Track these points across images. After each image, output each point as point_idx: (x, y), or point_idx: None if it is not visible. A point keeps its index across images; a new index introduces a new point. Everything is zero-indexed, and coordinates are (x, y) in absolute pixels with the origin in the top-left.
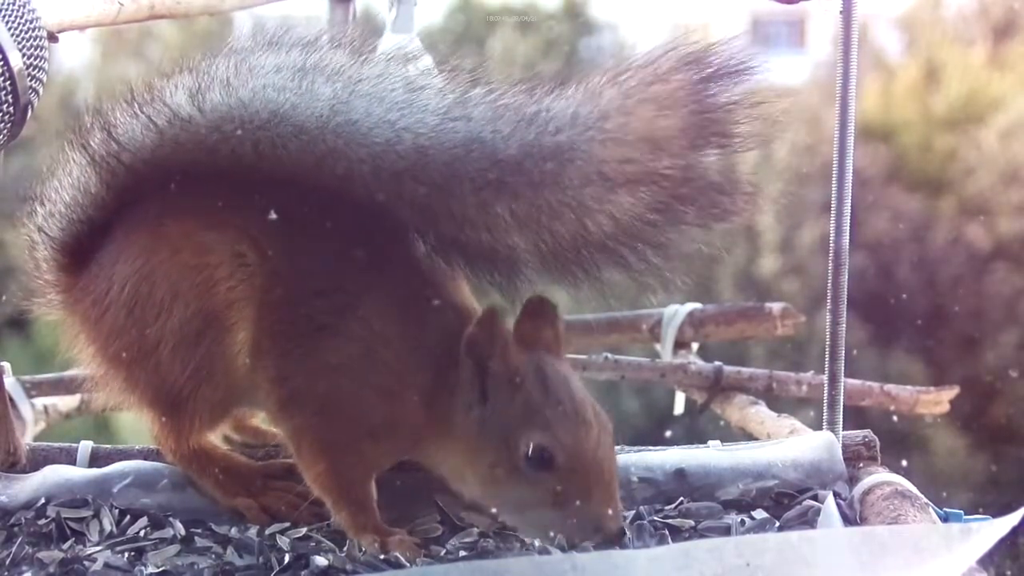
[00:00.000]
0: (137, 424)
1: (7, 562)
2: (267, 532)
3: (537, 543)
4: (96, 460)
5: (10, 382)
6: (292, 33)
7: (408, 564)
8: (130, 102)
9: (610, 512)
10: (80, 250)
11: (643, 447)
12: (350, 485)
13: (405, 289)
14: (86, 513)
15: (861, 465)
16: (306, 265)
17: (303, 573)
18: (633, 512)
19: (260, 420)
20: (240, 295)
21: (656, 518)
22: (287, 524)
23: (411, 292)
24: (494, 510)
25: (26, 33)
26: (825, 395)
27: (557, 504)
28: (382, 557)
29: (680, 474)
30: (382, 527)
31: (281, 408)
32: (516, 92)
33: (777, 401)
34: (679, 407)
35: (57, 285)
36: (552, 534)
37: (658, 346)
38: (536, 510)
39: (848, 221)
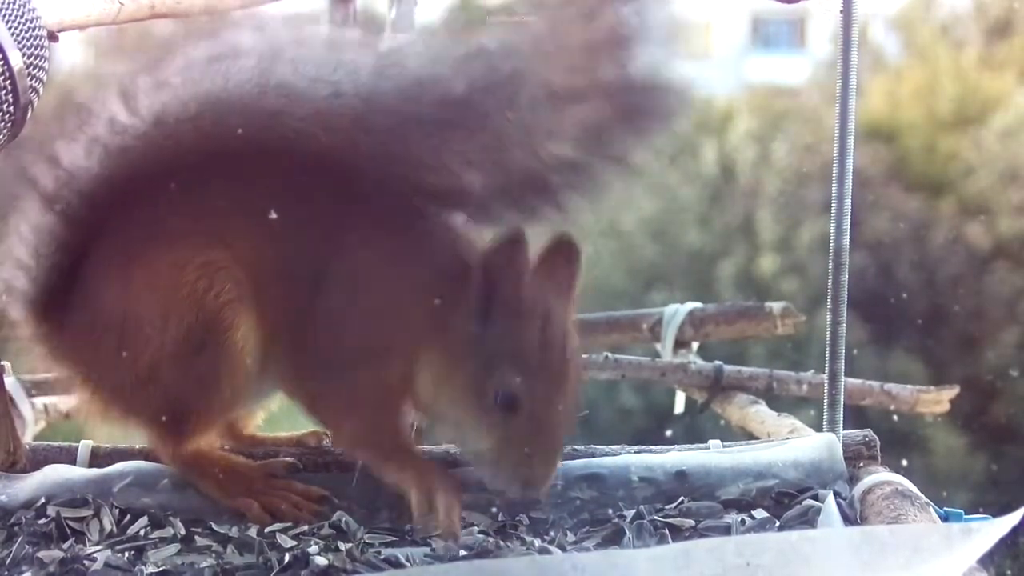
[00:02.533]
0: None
1: (7, 562)
2: (267, 531)
3: (537, 543)
4: (96, 460)
5: (10, 382)
6: (203, 27)
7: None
8: (66, 129)
9: (545, 473)
10: (55, 297)
11: (643, 447)
12: (382, 433)
13: (389, 221)
14: (86, 513)
15: (861, 464)
16: (278, 236)
17: (303, 573)
18: (633, 511)
19: (256, 428)
20: (228, 296)
21: (656, 517)
22: (288, 523)
23: (396, 223)
24: (448, 430)
25: (26, 33)
26: (825, 394)
27: (503, 444)
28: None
29: (680, 474)
30: (428, 473)
31: (295, 380)
32: (448, 32)
33: (777, 400)
34: (679, 406)
35: (39, 338)
36: (491, 473)
37: (658, 345)
38: (481, 442)
39: (848, 221)
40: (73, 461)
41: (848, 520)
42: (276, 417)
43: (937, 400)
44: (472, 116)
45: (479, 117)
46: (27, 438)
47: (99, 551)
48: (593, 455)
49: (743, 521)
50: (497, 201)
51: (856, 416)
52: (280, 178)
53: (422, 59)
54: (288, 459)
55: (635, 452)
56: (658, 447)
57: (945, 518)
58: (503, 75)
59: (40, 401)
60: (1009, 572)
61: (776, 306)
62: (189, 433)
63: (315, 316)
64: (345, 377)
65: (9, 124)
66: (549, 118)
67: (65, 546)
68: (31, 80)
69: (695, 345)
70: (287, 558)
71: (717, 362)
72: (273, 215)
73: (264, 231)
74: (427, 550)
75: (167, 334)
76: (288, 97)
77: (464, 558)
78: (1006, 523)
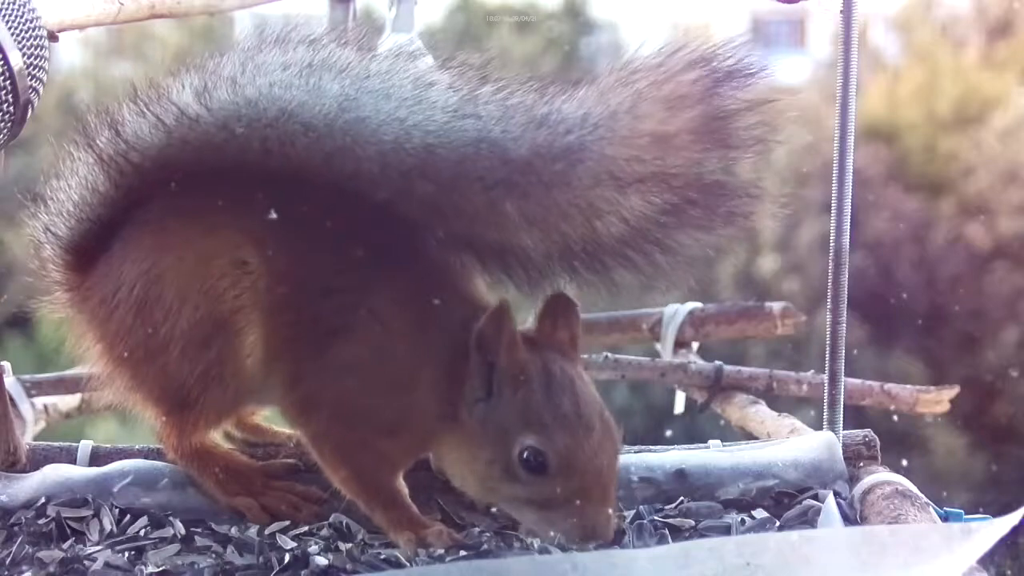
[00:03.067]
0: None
1: (7, 562)
2: (267, 531)
3: (537, 543)
4: (96, 459)
5: (10, 382)
6: (298, 30)
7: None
8: (137, 101)
9: (604, 517)
10: (87, 249)
11: (643, 447)
12: (377, 485)
13: (415, 284)
14: (86, 512)
15: (861, 464)
16: (312, 265)
17: (303, 573)
18: (633, 512)
19: (262, 418)
20: (246, 301)
21: (656, 517)
22: (287, 523)
23: (421, 287)
24: (492, 508)
25: (26, 33)
26: (825, 394)
27: (550, 506)
28: (415, 552)
29: (680, 474)
30: (417, 520)
31: (299, 412)
32: (526, 91)
33: (777, 400)
34: (679, 406)
35: (64, 284)
36: (551, 533)
37: (658, 345)
38: (530, 510)
39: (848, 221)
40: (73, 461)
41: (848, 520)
42: (276, 417)
43: (937, 400)
44: (532, 180)
45: (539, 183)
46: (27, 438)
47: (99, 551)
48: None
49: (743, 521)
50: (554, 265)
51: (856, 416)
52: (330, 206)
53: (494, 116)
54: (289, 460)
55: (635, 452)
56: (658, 447)
57: (945, 518)
58: (563, 148)
59: (40, 401)
60: (1009, 572)
61: (776, 306)
62: (191, 426)
63: (328, 361)
64: (350, 429)
65: (9, 124)
66: (608, 196)
67: (65, 546)
68: (31, 80)
69: (695, 345)
70: (287, 558)
71: (717, 362)
72: (309, 239)
73: (301, 253)
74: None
75: (180, 320)
76: (360, 133)
77: (464, 558)
78: (1006, 523)
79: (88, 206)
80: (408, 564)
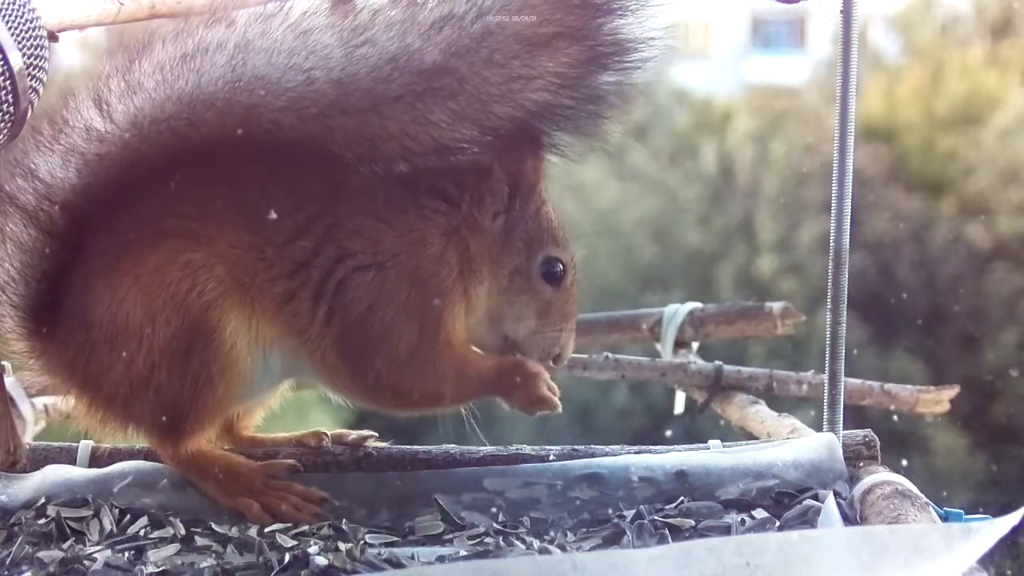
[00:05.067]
0: None
1: (7, 562)
2: (267, 531)
3: (537, 543)
4: (96, 460)
5: (10, 382)
6: (163, 28)
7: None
8: (42, 140)
9: (567, 348)
10: (45, 310)
11: (643, 447)
12: (463, 374)
13: (379, 185)
14: (86, 512)
15: (861, 464)
16: (264, 222)
17: (303, 573)
18: (633, 512)
19: (255, 429)
20: (212, 295)
21: (656, 517)
22: (287, 523)
23: (387, 183)
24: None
25: (26, 33)
26: (825, 394)
27: (541, 318)
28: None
29: (681, 474)
30: (500, 366)
31: (339, 361)
32: (405, 6)
33: (777, 400)
34: (679, 406)
35: (32, 352)
36: (537, 349)
37: (658, 345)
38: (531, 321)
39: (848, 221)
40: (73, 461)
41: (848, 520)
42: (276, 417)
43: (937, 400)
44: (449, 81)
45: (457, 81)
46: (27, 438)
47: (99, 551)
48: (593, 455)
49: (743, 521)
50: (492, 149)
51: (856, 416)
52: (258, 170)
53: (391, 32)
54: (288, 460)
55: (635, 452)
56: (658, 447)
57: (945, 518)
58: (475, 36)
59: (40, 401)
60: (1009, 572)
61: (776, 306)
62: (187, 433)
63: (344, 298)
64: (400, 342)
65: (9, 124)
66: (523, 68)
67: (65, 546)
68: (31, 80)
69: (695, 345)
70: (287, 558)
71: (717, 362)
72: (251, 207)
73: (245, 224)
74: (427, 549)
75: (155, 338)
76: (262, 89)
77: (464, 558)
78: (1006, 523)
79: (31, 267)
80: (406, 565)
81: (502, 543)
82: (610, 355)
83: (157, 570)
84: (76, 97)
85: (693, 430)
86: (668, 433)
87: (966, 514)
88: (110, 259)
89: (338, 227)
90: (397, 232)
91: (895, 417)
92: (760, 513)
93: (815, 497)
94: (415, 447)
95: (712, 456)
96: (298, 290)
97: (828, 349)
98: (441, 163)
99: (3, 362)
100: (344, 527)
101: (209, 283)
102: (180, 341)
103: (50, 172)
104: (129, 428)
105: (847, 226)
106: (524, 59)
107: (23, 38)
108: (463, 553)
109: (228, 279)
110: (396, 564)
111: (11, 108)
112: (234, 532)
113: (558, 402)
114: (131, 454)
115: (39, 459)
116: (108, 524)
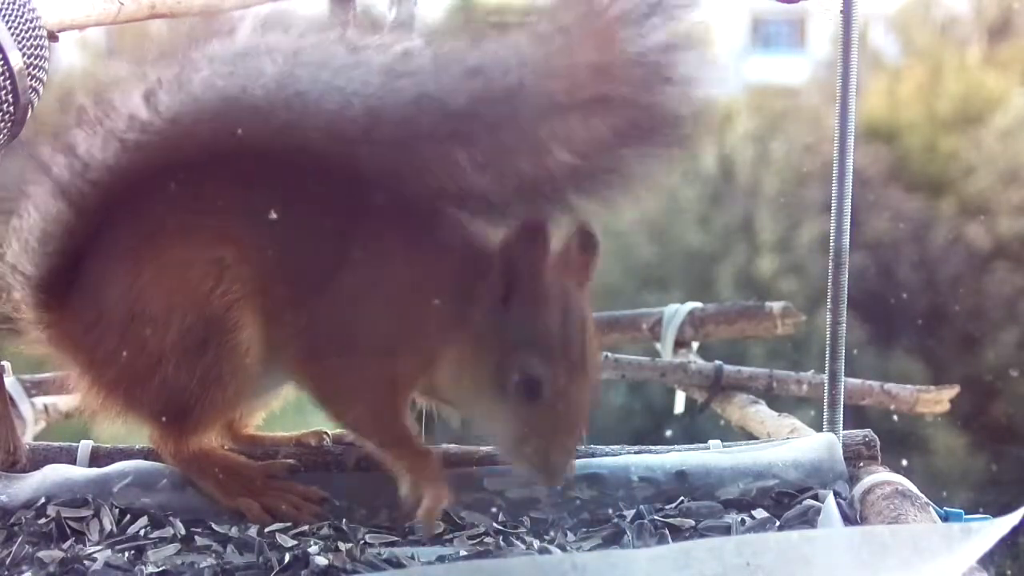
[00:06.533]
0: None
1: (7, 562)
2: (267, 531)
3: (537, 543)
4: (96, 459)
5: (10, 381)
6: (225, 23)
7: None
8: (85, 119)
9: (564, 462)
10: (58, 283)
11: (643, 447)
12: (386, 422)
13: (403, 219)
14: (86, 512)
15: (861, 464)
16: (290, 232)
17: (303, 573)
18: (633, 512)
19: (256, 428)
20: (235, 295)
21: (656, 517)
22: (288, 523)
23: (410, 221)
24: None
25: (26, 33)
26: (825, 394)
27: (524, 432)
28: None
29: (680, 474)
30: (422, 460)
31: (306, 359)
32: (457, 42)
33: (777, 400)
34: (679, 406)
35: (40, 323)
36: (518, 460)
37: (658, 345)
38: (511, 430)
39: (848, 221)
40: (73, 461)
41: (848, 520)
42: (276, 417)
43: (937, 400)
44: (477, 127)
45: (484, 128)
46: (27, 438)
47: (99, 551)
48: (593, 455)
49: (743, 521)
50: (511, 203)
51: (856, 416)
52: (290, 180)
53: (428, 71)
54: (288, 460)
55: (635, 452)
56: (658, 447)
57: (945, 518)
58: (502, 90)
59: (40, 401)
60: (1009, 572)
61: (776, 306)
62: (190, 431)
63: (329, 305)
64: (356, 365)
65: (9, 124)
66: (553, 129)
67: (65, 546)
68: (31, 80)
69: (695, 345)
70: (287, 558)
71: (717, 362)
72: (279, 215)
73: (272, 230)
74: (428, 549)
75: (170, 331)
76: (302, 107)
77: (464, 558)
78: (1006, 523)
79: (53, 239)
80: (405, 565)
81: (502, 543)
82: (610, 355)
83: (157, 570)
84: (127, 82)
85: (693, 430)
86: (668, 433)
87: (966, 514)
88: (134, 244)
89: (352, 245)
90: (405, 266)
91: (895, 417)
92: (760, 513)
93: (815, 497)
94: None
95: (712, 456)
96: (303, 298)
97: (828, 349)
98: (467, 207)
99: (3, 362)
100: (344, 527)
101: (235, 283)
102: (195, 336)
103: (88, 151)
104: (129, 415)
105: (847, 226)
106: (553, 120)
107: (23, 38)
108: (463, 553)
109: (252, 280)
110: (396, 564)
111: (11, 108)
112: (234, 532)
113: (432, 532)
114: (131, 454)
115: (39, 459)
116: (108, 524)
